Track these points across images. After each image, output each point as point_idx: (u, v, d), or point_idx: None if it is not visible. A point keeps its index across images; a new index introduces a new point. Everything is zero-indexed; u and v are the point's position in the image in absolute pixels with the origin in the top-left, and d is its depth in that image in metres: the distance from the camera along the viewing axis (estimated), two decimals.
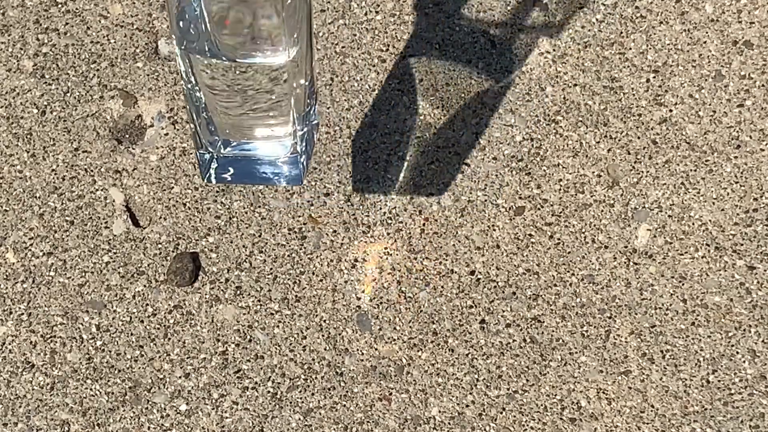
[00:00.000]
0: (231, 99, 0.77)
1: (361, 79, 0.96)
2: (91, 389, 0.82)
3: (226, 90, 0.76)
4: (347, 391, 0.83)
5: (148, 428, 0.81)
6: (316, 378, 0.83)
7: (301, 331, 0.85)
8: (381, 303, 0.86)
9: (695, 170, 0.93)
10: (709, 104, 0.96)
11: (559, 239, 0.90)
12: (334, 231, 0.89)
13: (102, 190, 0.90)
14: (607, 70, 0.97)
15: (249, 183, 0.87)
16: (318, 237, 0.89)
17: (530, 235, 0.90)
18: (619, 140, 0.94)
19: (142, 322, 0.85)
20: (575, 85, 0.96)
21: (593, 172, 0.92)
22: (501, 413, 0.83)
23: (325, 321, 0.85)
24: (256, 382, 0.83)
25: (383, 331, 0.85)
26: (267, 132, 0.80)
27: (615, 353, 0.85)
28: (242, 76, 0.74)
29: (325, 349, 0.84)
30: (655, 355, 0.85)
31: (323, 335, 0.85)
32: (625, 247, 0.89)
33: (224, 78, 0.74)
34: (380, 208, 0.90)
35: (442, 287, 0.87)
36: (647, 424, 0.83)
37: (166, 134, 0.91)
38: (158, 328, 0.85)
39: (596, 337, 0.86)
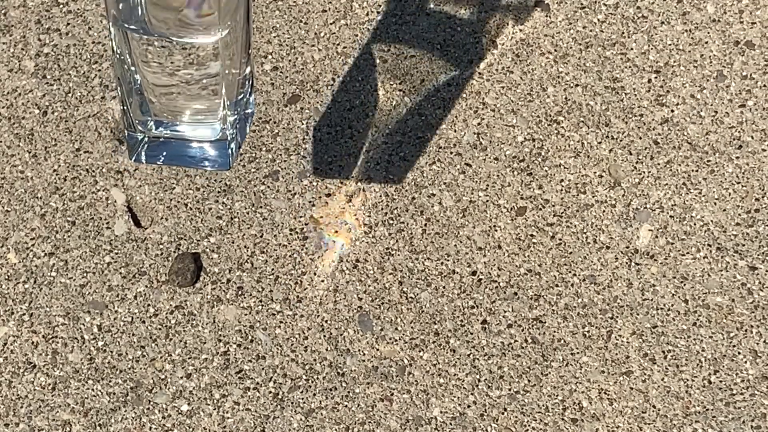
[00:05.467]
0: (164, 79, 0.78)
1: (362, 80, 0.96)
2: (92, 390, 0.82)
3: (161, 70, 0.78)
4: (349, 392, 0.83)
5: (150, 429, 0.81)
6: (317, 378, 0.83)
7: (303, 331, 0.85)
8: (382, 303, 0.86)
9: (697, 171, 0.93)
10: (711, 105, 0.96)
11: (560, 240, 0.90)
12: (336, 231, 0.89)
13: (103, 190, 0.90)
14: (608, 71, 0.97)
15: (178, 165, 0.88)
16: (319, 237, 0.89)
17: (532, 235, 0.90)
18: (621, 141, 0.94)
19: (144, 322, 0.85)
20: (577, 85, 0.96)
21: (595, 173, 0.92)
22: (503, 414, 0.83)
23: (326, 321, 0.85)
24: (257, 383, 0.83)
25: (385, 331, 0.85)
26: (197, 114, 0.82)
27: (616, 354, 0.85)
28: (175, 56, 0.77)
29: (326, 350, 0.84)
30: (656, 356, 0.85)
31: (325, 336, 0.85)
32: (627, 247, 0.89)
33: (159, 57, 0.77)
34: (382, 209, 0.90)
35: (444, 287, 0.87)
36: (649, 424, 0.83)
37: None
38: (160, 329, 0.85)
39: (598, 337, 0.86)
